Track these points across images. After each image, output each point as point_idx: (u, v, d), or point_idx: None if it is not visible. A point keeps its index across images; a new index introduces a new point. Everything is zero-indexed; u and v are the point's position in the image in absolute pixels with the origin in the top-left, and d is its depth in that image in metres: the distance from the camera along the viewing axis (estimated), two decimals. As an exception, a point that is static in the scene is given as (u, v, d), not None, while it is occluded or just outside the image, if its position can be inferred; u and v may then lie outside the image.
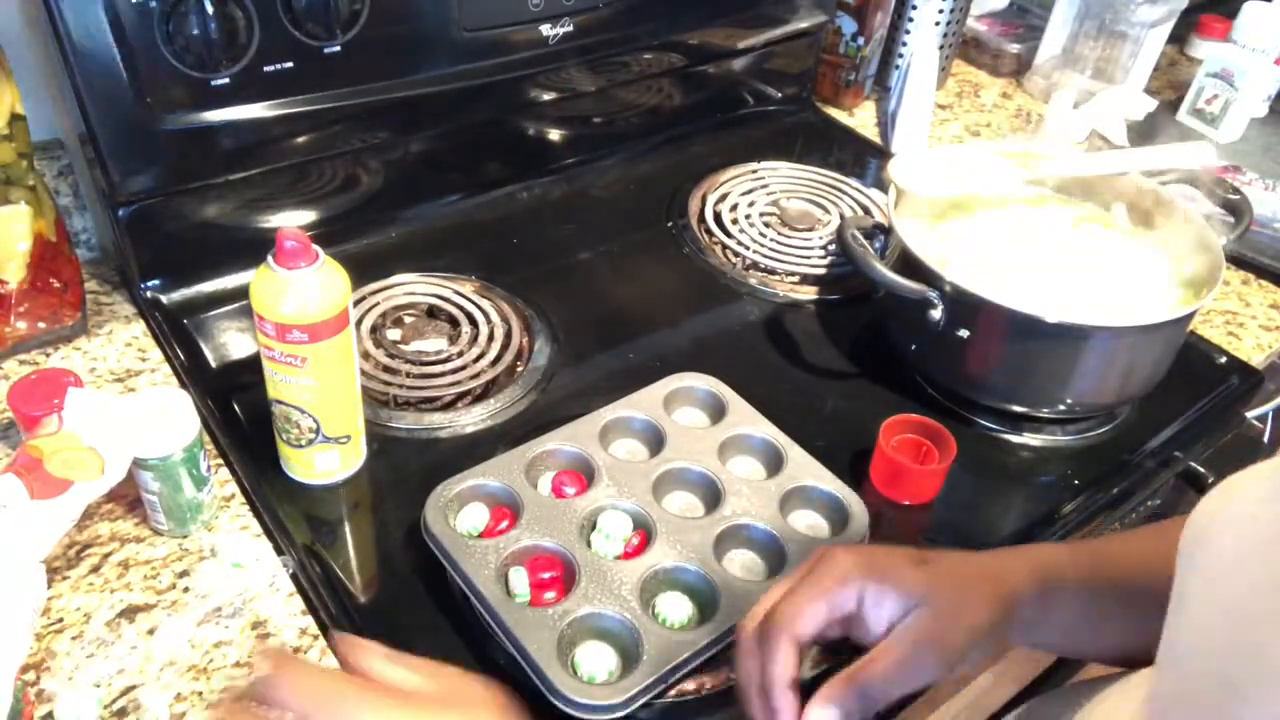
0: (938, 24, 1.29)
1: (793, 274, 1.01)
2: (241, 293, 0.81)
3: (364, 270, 0.89)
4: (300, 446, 0.72)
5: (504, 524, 0.68)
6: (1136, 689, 0.54)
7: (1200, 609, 0.38)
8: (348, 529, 0.73)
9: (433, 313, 0.90)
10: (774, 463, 0.74)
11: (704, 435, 0.75)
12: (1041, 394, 0.84)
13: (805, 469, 0.73)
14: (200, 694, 0.60)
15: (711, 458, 0.73)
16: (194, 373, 0.83)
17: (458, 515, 0.68)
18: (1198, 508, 0.42)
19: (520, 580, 0.63)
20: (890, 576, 0.49)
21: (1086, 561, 0.55)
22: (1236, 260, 1.09)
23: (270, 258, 0.64)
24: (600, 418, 0.75)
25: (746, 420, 0.76)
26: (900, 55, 1.32)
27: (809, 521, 0.72)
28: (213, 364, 0.85)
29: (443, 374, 0.83)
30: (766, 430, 0.76)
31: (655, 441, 0.75)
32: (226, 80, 0.79)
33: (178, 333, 0.86)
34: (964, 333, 0.81)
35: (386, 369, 0.84)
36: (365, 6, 0.82)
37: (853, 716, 0.45)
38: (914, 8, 1.29)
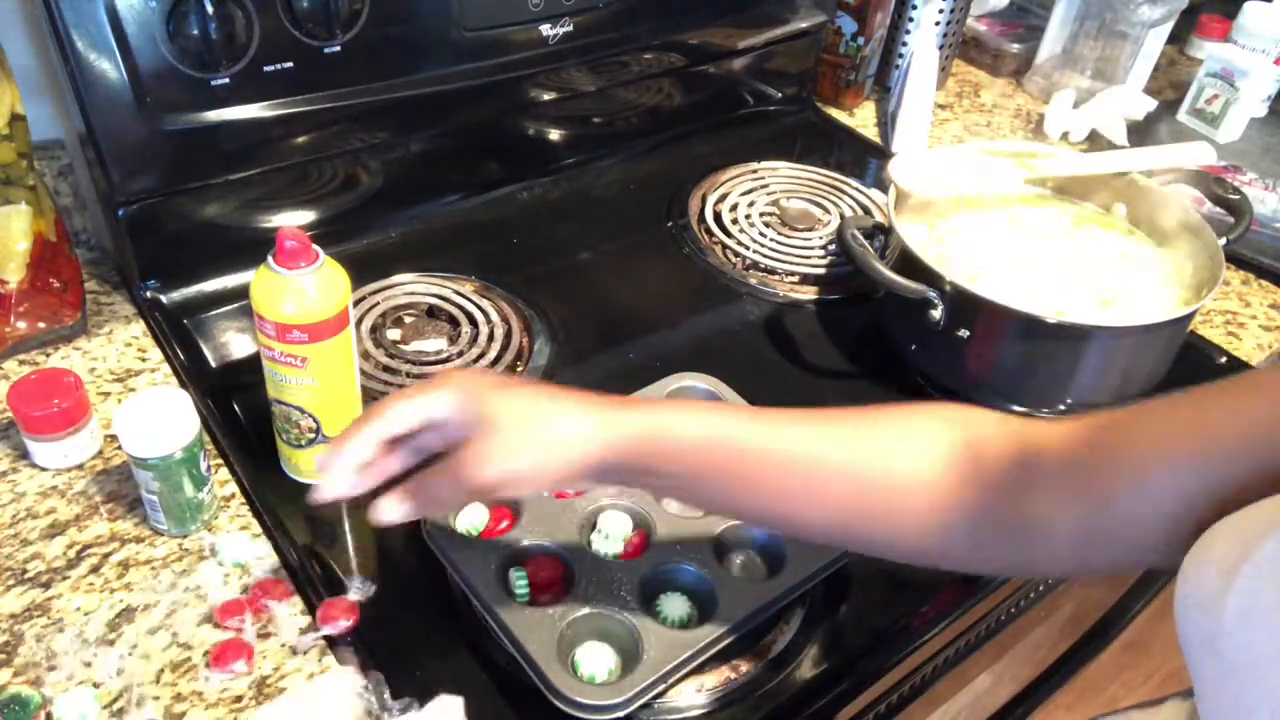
0: (938, 24, 1.29)
1: (793, 274, 1.01)
2: (241, 293, 0.81)
3: (364, 270, 0.89)
4: (300, 446, 0.72)
5: (504, 524, 0.68)
6: None
7: (1256, 714, 0.35)
8: (348, 529, 0.73)
9: (433, 313, 0.90)
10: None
11: (704, 435, 0.75)
12: (1041, 394, 0.84)
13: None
14: (200, 694, 0.60)
15: (711, 458, 0.73)
16: (194, 373, 0.83)
17: (458, 515, 0.68)
18: (1185, 584, 0.38)
19: (520, 580, 0.63)
20: (473, 398, 0.52)
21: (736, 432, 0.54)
22: (1236, 260, 1.09)
23: (270, 258, 0.64)
24: (600, 418, 0.75)
25: (746, 420, 0.76)
26: (900, 55, 1.32)
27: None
28: (213, 364, 0.85)
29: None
30: (766, 430, 0.75)
31: (655, 441, 0.75)
32: (226, 80, 0.79)
33: (178, 333, 0.86)
34: (964, 333, 0.81)
35: (386, 369, 0.84)
36: (365, 6, 0.82)
37: (406, 513, 0.54)
38: (914, 8, 1.29)
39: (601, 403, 0.54)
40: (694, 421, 0.53)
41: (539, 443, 0.52)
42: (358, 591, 0.65)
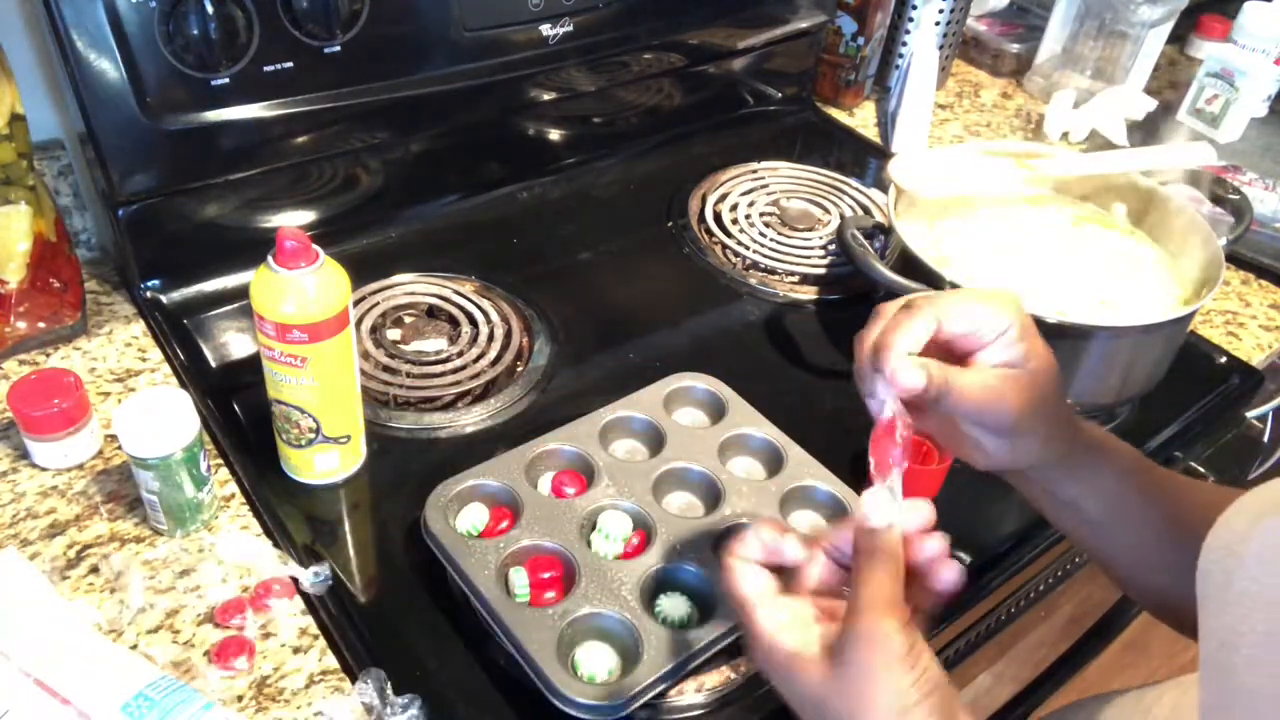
0: (938, 24, 1.29)
1: (793, 274, 1.01)
2: (241, 293, 0.81)
3: (364, 270, 0.89)
4: (300, 446, 0.72)
5: (504, 524, 0.68)
6: (1148, 710, 0.54)
7: (1251, 652, 0.38)
8: (348, 529, 0.73)
9: (433, 313, 0.90)
10: (774, 463, 0.74)
11: (704, 435, 0.75)
12: (1041, 394, 0.83)
13: (805, 469, 0.73)
14: (200, 693, 0.60)
15: (711, 458, 0.73)
16: (194, 373, 0.83)
17: (458, 515, 0.68)
18: (1220, 526, 0.41)
19: (520, 580, 0.63)
20: (1029, 338, 0.50)
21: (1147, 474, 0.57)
22: (1236, 260, 1.09)
23: (270, 258, 0.64)
24: (600, 418, 0.75)
25: (747, 420, 0.76)
26: (900, 55, 1.32)
27: (809, 521, 0.72)
28: (213, 364, 0.85)
29: (443, 374, 0.83)
30: (767, 430, 0.76)
31: (655, 441, 0.75)
32: (226, 80, 0.79)
33: (178, 333, 0.86)
34: (964, 333, 0.81)
35: (386, 369, 0.84)
36: (365, 6, 0.82)
37: (918, 392, 0.49)
38: (914, 8, 1.29)
39: None
40: None
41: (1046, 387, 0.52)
42: (311, 584, 0.66)
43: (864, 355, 0.51)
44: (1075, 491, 0.57)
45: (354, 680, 0.60)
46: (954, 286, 0.79)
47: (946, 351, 0.52)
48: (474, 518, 0.68)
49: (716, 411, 0.78)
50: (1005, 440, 0.52)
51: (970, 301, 0.50)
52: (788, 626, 0.47)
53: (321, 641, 0.64)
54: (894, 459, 0.49)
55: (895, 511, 0.48)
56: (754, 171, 1.16)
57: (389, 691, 0.59)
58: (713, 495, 0.71)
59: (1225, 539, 0.41)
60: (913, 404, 0.50)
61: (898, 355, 0.49)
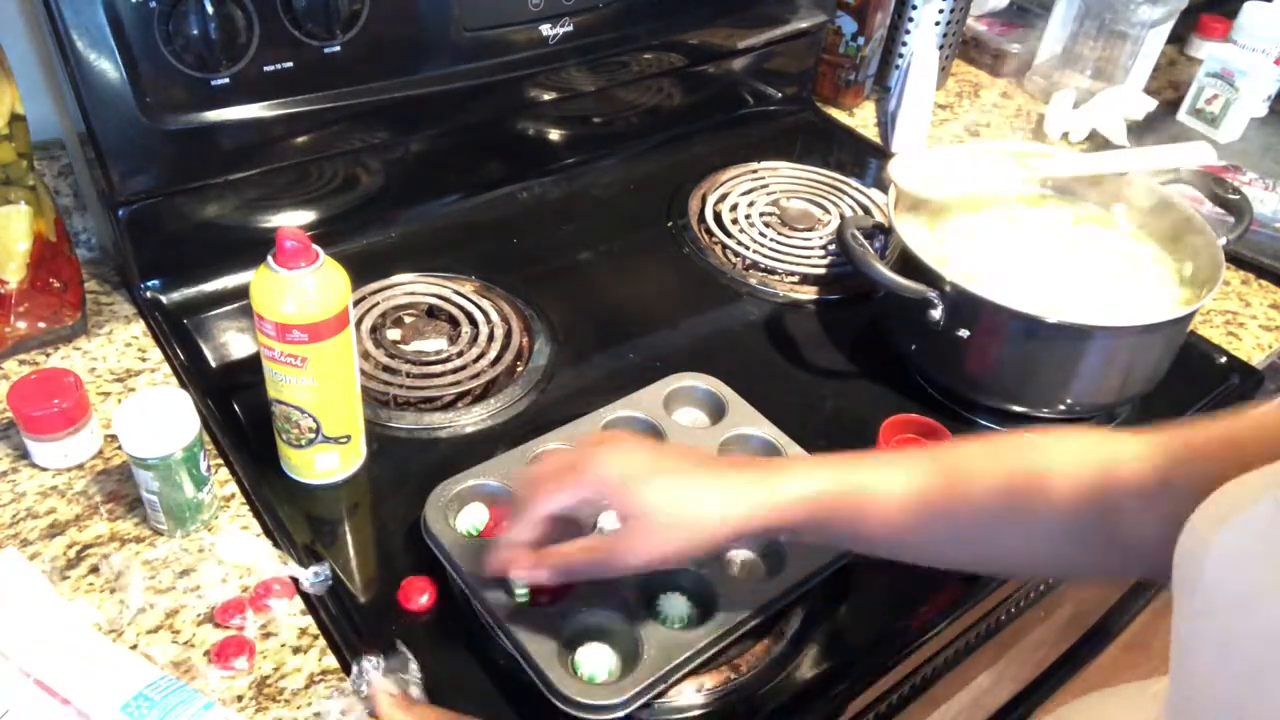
0: (938, 24, 1.29)
1: (793, 274, 1.01)
2: (241, 293, 0.81)
3: (364, 270, 0.89)
4: (300, 446, 0.72)
5: (504, 524, 0.68)
6: (1156, 698, 0.54)
7: (1208, 658, 0.38)
8: (348, 529, 0.73)
9: (433, 313, 0.90)
10: (774, 463, 0.74)
11: (704, 435, 0.75)
12: (1041, 394, 0.84)
13: (805, 469, 0.73)
14: (200, 693, 0.60)
15: (711, 458, 0.73)
16: (194, 373, 0.83)
17: (458, 515, 0.68)
18: (1185, 531, 0.41)
19: (520, 580, 0.63)
20: (620, 490, 0.56)
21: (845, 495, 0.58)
22: (1236, 260, 1.09)
23: (270, 258, 0.64)
24: (600, 417, 0.75)
25: (746, 420, 0.76)
26: (900, 55, 1.32)
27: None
28: (213, 364, 0.85)
29: (443, 374, 0.83)
30: (766, 430, 0.76)
31: (655, 441, 0.75)
32: (226, 80, 0.79)
33: (178, 333, 0.86)
34: (964, 333, 0.81)
35: (386, 369, 0.84)
36: (365, 6, 0.82)
37: (541, 580, 0.58)
38: (914, 8, 1.29)
39: (740, 479, 0.58)
40: (819, 479, 0.57)
41: (684, 528, 0.56)
42: (311, 584, 0.66)
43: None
44: (840, 540, 0.61)
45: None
46: (954, 286, 0.79)
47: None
48: (474, 517, 0.68)
49: (716, 411, 0.78)
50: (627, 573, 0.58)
51: (549, 486, 0.57)
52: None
53: (321, 641, 0.64)
54: None
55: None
56: (754, 171, 1.16)
57: (380, 661, 0.60)
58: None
59: (1187, 546, 0.41)
60: None
61: (515, 567, 0.58)
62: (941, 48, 1.32)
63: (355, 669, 0.60)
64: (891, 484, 0.57)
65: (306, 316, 0.64)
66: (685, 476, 0.57)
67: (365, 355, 0.84)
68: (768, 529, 0.58)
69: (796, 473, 0.58)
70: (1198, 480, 0.43)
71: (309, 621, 0.65)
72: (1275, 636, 0.35)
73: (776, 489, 0.57)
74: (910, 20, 1.30)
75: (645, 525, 0.55)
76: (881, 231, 0.92)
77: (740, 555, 0.69)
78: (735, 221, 1.06)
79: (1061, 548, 0.55)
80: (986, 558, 0.60)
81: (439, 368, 0.84)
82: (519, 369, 0.86)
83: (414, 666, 0.60)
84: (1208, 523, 0.40)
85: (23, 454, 0.74)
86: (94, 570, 0.67)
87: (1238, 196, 0.93)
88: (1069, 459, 0.54)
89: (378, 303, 0.89)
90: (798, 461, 0.61)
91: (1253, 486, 0.39)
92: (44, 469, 0.73)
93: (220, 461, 0.75)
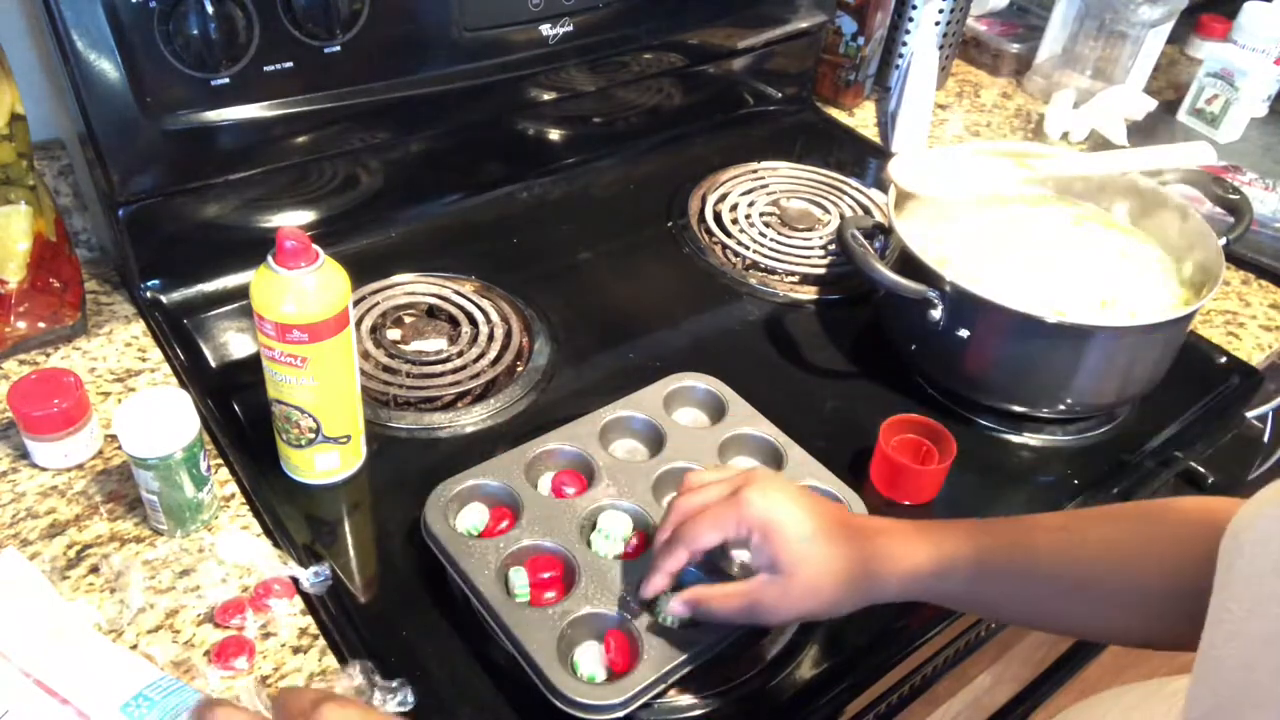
0: (938, 24, 1.29)
1: (793, 274, 1.01)
2: (241, 293, 0.81)
3: (364, 270, 0.89)
4: (300, 446, 0.72)
5: (504, 524, 0.68)
6: (1174, 696, 0.54)
7: (1241, 627, 0.39)
8: (348, 529, 0.73)
9: (433, 313, 0.90)
10: (774, 462, 0.74)
11: (704, 435, 0.75)
12: (1041, 394, 0.84)
13: (805, 468, 0.73)
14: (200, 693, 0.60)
15: (712, 458, 0.73)
16: (194, 373, 0.83)
17: (458, 515, 0.68)
18: (1235, 517, 0.42)
19: (520, 580, 0.63)
20: (774, 541, 0.57)
21: (1000, 553, 0.58)
22: (1236, 260, 1.09)
23: (270, 258, 0.64)
24: (600, 417, 0.75)
25: (746, 420, 0.76)
26: (900, 55, 1.32)
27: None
28: (213, 364, 0.85)
29: (443, 374, 0.83)
30: (766, 430, 0.76)
31: (655, 441, 0.75)
32: (226, 80, 0.79)
33: (178, 333, 0.86)
34: (964, 333, 0.81)
35: (386, 369, 0.84)
36: (365, 6, 0.82)
37: (686, 615, 0.60)
38: (914, 8, 1.28)
39: (880, 547, 0.58)
40: (952, 575, 0.58)
41: (824, 594, 0.57)
42: (311, 583, 0.66)
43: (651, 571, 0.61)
44: (971, 603, 0.60)
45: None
46: (954, 286, 0.79)
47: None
48: (474, 518, 0.68)
49: (716, 411, 0.78)
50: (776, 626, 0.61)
51: (707, 524, 0.58)
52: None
53: (321, 641, 0.64)
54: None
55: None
56: (754, 171, 1.16)
57: (377, 678, 0.59)
58: (713, 495, 0.71)
59: (1234, 527, 0.42)
60: None
61: (659, 590, 0.60)
62: (941, 48, 1.32)
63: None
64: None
65: (306, 316, 0.64)
66: (833, 537, 0.57)
67: (365, 355, 0.84)
68: (901, 598, 0.59)
69: (942, 552, 0.58)
70: None
71: (309, 621, 0.65)
72: None
73: (915, 558, 0.57)
74: (910, 20, 1.29)
75: (793, 584, 0.56)
76: (881, 231, 0.92)
77: (740, 555, 0.69)
78: (735, 221, 1.06)
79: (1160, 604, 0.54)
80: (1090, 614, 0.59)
81: (439, 368, 0.84)
82: (519, 369, 0.86)
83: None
84: (1246, 518, 0.41)
85: (23, 454, 0.74)
86: (94, 570, 0.67)
87: (1238, 196, 0.93)
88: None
89: (378, 303, 0.89)
90: (941, 531, 0.59)
91: None
92: (44, 469, 0.73)
93: (220, 461, 0.75)
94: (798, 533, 0.57)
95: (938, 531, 0.58)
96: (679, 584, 0.65)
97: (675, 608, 0.60)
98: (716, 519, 0.58)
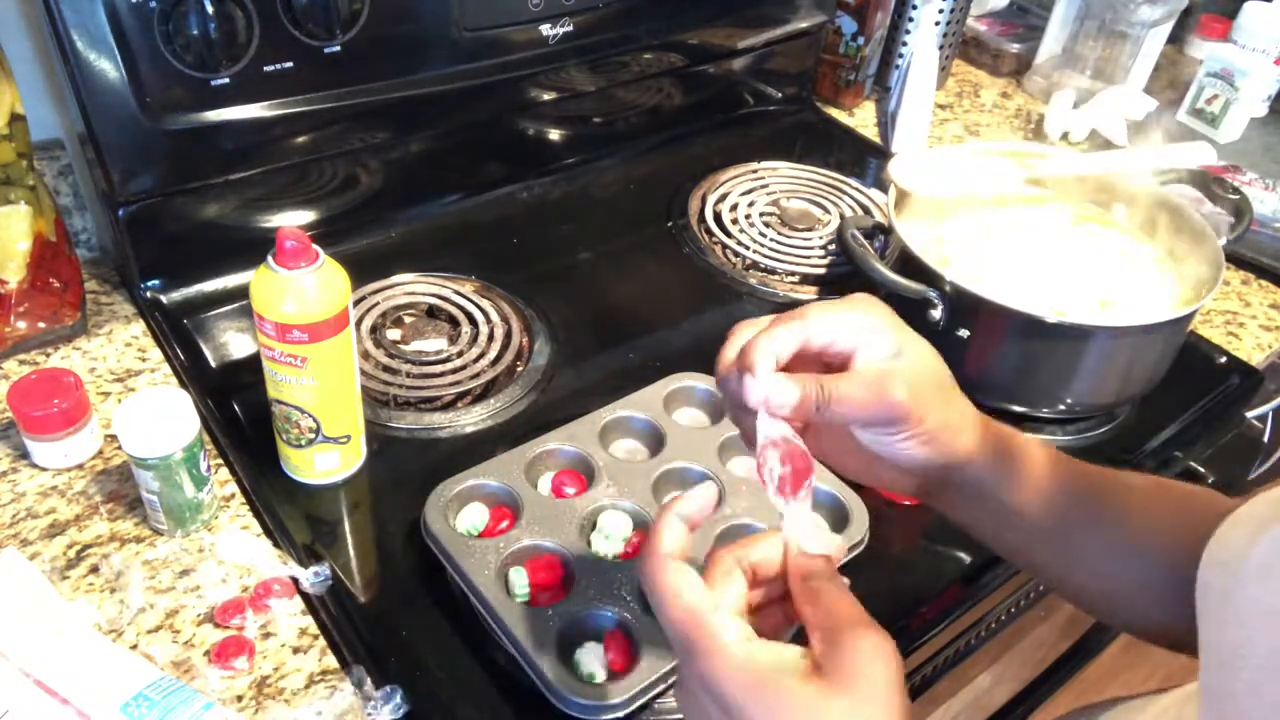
0: (938, 24, 1.29)
1: (793, 274, 1.01)
2: (241, 293, 0.81)
3: (364, 270, 0.89)
4: (300, 446, 0.72)
5: (504, 524, 0.68)
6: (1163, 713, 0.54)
7: (1253, 670, 0.36)
8: (348, 529, 0.73)
9: (433, 313, 0.90)
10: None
11: (704, 435, 0.75)
12: (1041, 394, 0.84)
13: (805, 469, 0.73)
14: (200, 693, 0.60)
15: (712, 458, 0.73)
16: (194, 373, 0.83)
17: (458, 515, 0.68)
18: (1217, 539, 0.40)
19: (520, 580, 0.63)
20: (889, 332, 0.49)
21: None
22: (1236, 260, 1.09)
23: (270, 258, 0.64)
24: (600, 418, 0.75)
25: (746, 420, 0.76)
26: (900, 55, 1.32)
27: (809, 521, 0.72)
28: (213, 364, 0.85)
29: (443, 374, 0.83)
30: (766, 430, 0.75)
31: (655, 441, 0.75)
32: (226, 80, 0.79)
33: (178, 333, 0.86)
34: (964, 333, 0.81)
35: (386, 369, 0.84)
36: (365, 6, 0.82)
37: (798, 407, 0.47)
38: (914, 8, 1.28)
39: None
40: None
41: (937, 378, 0.50)
42: (311, 584, 0.66)
43: (725, 372, 0.49)
44: (1012, 495, 0.54)
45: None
46: (954, 286, 0.79)
47: (819, 367, 0.50)
48: (474, 517, 0.68)
49: (717, 411, 0.78)
50: (911, 442, 0.49)
51: (828, 309, 0.49)
52: (758, 642, 0.41)
53: (321, 641, 0.64)
54: (787, 481, 0.47)
55: (824, 538, 0.46)
56: (754, 171, 1.16)
57: (368, 687, 0.59)
58: (713, 495, 0.71)
59: (1221, 554, 0.40)
60: (802, 428, 0.49)
61: (764, 374, 0.46)
62: (941, 48, 1.32)
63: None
64: (1040, 458, 0.55)
65: (306, 316, 0.64)
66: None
67: (365, 355, 0.84)
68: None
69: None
70: None
71: (309, 621, 0.65)
72: None
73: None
74: (910, 20, 1.29)
75: (911, 364, 0.49)
76: (881, 231, 0.92)
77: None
78: (735, 221, 1.06)
79: (1149, 577, 0.53)
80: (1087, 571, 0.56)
81: (439, 368, 0.84)
82: (519, 369, 0.86)
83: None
84: (1243, 532, 0.39)
85: (23, 454, 0.74)
86: (94, 570, 0.67)
87: (1238, 196, 0.93)
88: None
89: (378, 303, 0.89)
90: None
91: None
92: (44, 469, 0.73)
93: (220, 461, 0.75)
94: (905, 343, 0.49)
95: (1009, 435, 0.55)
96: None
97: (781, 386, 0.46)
98: (851, 307, 0.49)
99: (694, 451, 0.73)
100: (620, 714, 0.58)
